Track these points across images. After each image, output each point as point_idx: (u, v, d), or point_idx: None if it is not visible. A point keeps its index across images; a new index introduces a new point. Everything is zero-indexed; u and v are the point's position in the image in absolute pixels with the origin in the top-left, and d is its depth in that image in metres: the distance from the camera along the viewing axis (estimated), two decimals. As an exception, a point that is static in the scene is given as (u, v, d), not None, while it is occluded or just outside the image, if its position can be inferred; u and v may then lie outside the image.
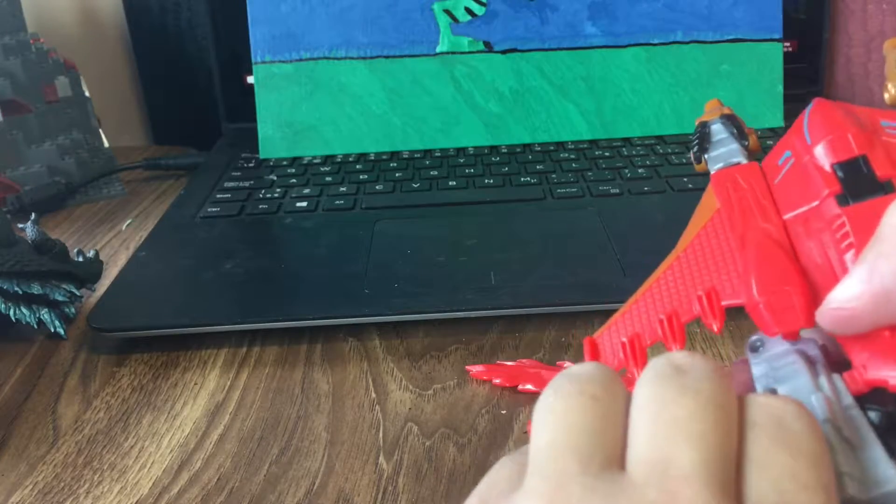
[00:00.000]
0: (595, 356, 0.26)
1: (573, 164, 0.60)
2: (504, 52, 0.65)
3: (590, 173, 0.58)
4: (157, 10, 0.78)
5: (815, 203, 0.23)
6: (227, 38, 0.71)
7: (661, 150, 0.62)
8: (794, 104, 0.65)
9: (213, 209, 0.57)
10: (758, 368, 0.23)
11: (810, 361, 0.22)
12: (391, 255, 0.48)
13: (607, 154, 0.62)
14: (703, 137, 0.29)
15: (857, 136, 0.23)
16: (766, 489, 0.16)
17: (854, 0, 0.71)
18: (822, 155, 0.23)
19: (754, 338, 0.24)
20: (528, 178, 0.58)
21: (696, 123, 0.30)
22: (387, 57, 0.65)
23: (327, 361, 0.42)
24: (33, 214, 0.48)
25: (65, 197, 0.66)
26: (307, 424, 0.37)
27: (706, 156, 0.29)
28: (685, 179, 0.56)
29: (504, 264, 0.46)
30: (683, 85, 0.65)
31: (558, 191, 0.56)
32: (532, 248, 0.48)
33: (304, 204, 0.56)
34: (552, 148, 0.64)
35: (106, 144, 0.69)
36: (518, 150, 0.64)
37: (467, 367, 0.40)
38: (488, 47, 0.65)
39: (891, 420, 0.19)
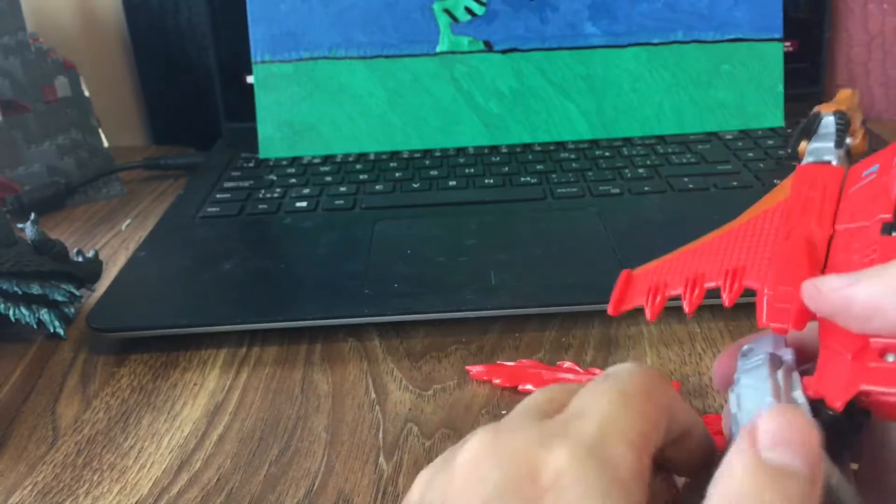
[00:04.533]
0: (626, 290, 0.27)
1: (573, 164, 0.60)
2: (504, 51, 0.65)
3: (590, 173, 0.58)
4: (157, 9, 0.78)
5: (866, 223, 0.23)
6: (226, 38, 0.70)
7: (661, 150, 0.62)
8: (794, 104, 0.65)
9: (213, 209, 0.57)
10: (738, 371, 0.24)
11: (778, 363, 0.23)
12: (391, 255, 0.48)
13: (607, 154, 0.62)
14: (810, 125, 0.29)
15: None
16: (575, 398, 0.21)
17: None
18: None
19: (746, 347, 0.25)
20: (529, 178, 0.58)
21: (813, 111, 0.30)
22: (387, 57, 0.65)
23: (327, 362, 0.42)
24: (33, 214, 0.48)
25: (64, 197, 0.66)
26: (307, 425, 0.37)
27: (807, 145, 0.29)
28: (686, 179, 0.56)
29: (504, 264, 0.46)
30: (684, 85, 0.65)
31: (558, 191, 0.56)
32: (532, 248, 0.48)
33: (304, 204, 0.56)
34: (552, 148, 0.64)
35: (105, 144, 0.69)
36: (518, 149, 0.64)
37: (467, 368, 0.40)
38: (488, 47, 0.65)
39: (837, 425, 0.21)
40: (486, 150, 0.64)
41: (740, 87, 0.64)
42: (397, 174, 0.61)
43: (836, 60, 0.73)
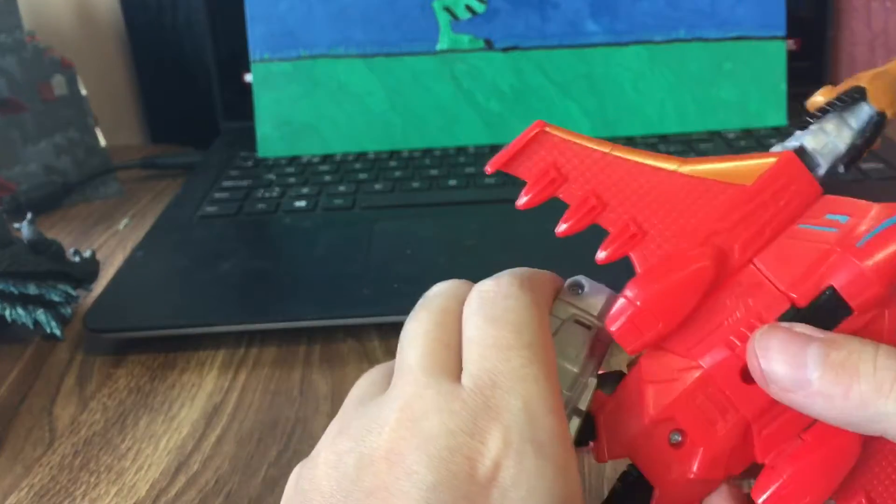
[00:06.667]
0: (526, 150, 0.24)
1: (574, 163, 0.60)
2: (505, 49, 0.65)
3: (591, 172, 0.58)
4: (155, 7, 0.78)
5: (775, 287, 0.21)
6: (225, 36, 0.70)
7: (663, 149, 0.61)
8: (797, 102, 0.65)
9: (211, 209, 0.56)
10: (559, 308, 0.24)
11: (598, 340, 0.23)
12: (391, 255, 0.48)
13: (609, 153, 0.61)
14: (846, 101, 0.23)
15: (879, 294, 0.20)
16: (475, 356, 0.20)
17: (857, -2, 0.70)
18: (843, 274, 0.20)
19: (580, 279, 0.25)
20: (529, 177, 0.58)
21: (856, 86, 0.24)
22: (386, 55, 0.65)
23: (326, 362, 0.42)
24: (29, 214, 0.47)
25: (61, 196, 0.65)
26: (306, 426, 0.37)
27: (822, 120, 0.23)
28: (687, 178, 0.55)
29: (504, 264, 0.45)
30: (686, 83, 0.64)
31: (559, 190, 0.55)
32: (533, 248, 0.47)
33: (303, 203, 0.56)
34: (553, 147, 0.64)
35: (102, 143, 0.69)
36: (519, 148, 0.64)
37: (468, 368, 0.40)
38: (489, 45, 0.65)
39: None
40: (486, 150, 0.64)
41: (743, 85, 0.64)
42: (397, 173, 0.60)
43: (840, 59, 0.73)
